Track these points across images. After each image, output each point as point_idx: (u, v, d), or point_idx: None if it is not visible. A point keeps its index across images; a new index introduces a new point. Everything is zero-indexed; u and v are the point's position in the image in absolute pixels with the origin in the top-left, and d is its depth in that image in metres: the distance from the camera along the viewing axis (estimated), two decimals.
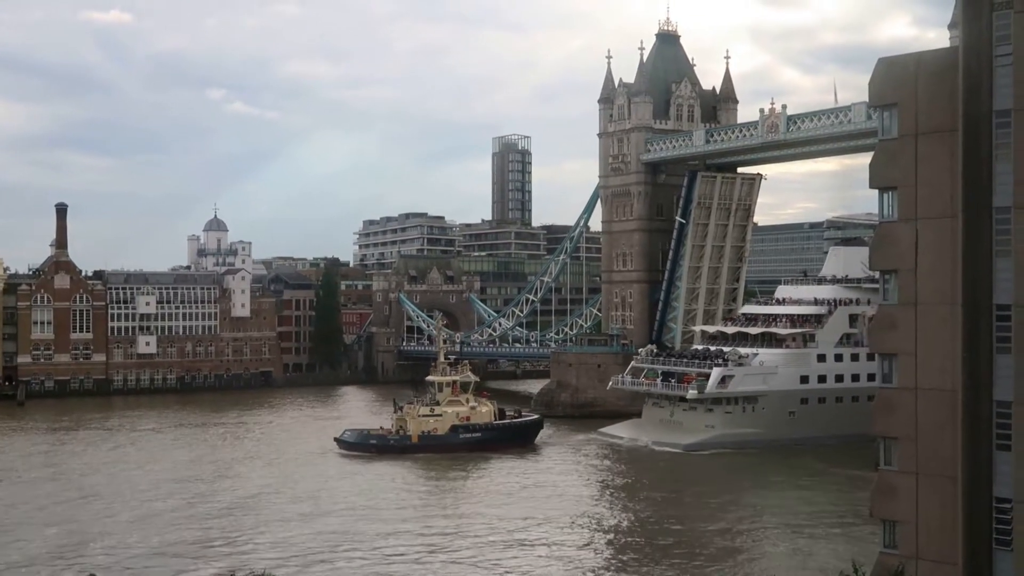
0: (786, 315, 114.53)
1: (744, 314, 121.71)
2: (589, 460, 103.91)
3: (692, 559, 65.26)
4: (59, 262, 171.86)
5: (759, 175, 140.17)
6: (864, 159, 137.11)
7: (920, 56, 40.51)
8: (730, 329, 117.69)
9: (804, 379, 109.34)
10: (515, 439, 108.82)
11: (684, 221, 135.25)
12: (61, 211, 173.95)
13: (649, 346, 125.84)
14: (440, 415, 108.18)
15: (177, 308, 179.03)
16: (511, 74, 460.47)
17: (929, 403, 38.73)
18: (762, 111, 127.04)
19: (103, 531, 73.02)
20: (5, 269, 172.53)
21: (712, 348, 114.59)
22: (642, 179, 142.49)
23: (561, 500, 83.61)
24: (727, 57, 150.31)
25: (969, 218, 36.56)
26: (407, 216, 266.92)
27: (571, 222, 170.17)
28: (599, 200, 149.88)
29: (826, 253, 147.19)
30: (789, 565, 63.89)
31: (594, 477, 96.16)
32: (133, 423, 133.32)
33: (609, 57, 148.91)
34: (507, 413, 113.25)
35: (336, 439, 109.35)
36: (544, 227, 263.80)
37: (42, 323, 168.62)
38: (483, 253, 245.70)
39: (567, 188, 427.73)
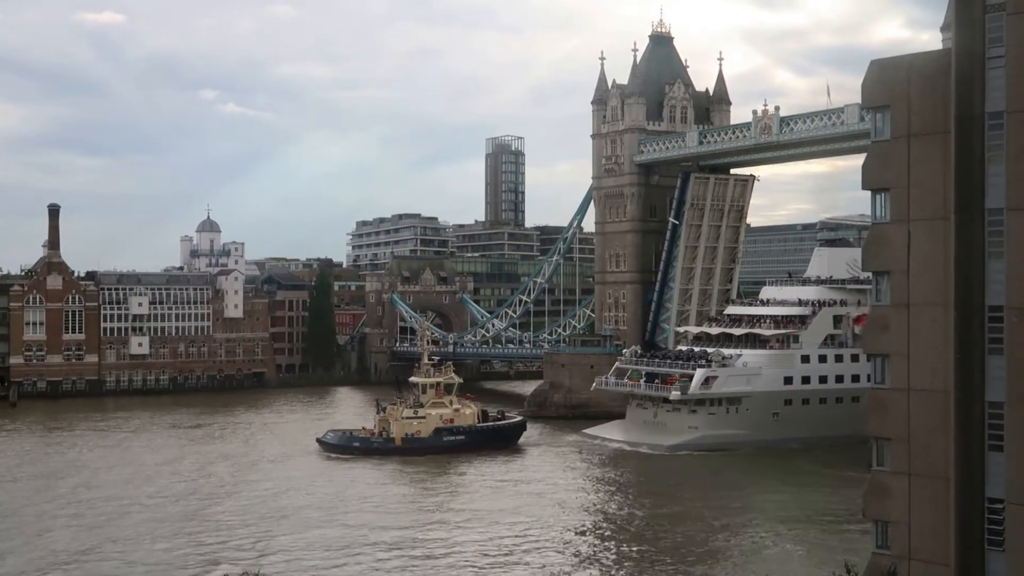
0: (770, 316, 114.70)
1: (728, 315, 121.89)
2: (570, 463, 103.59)
3: (680, 562, 65.09)
4: (51, 263, 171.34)
5: (752, 176, 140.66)
6: (853, 161, 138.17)
7: (913, 58, 40.58)
8: (714, 330, 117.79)
9: (788, 380, 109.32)
10: (498, 441, 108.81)
11: (677, 222, 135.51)
12: (53, 212, 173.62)
13: (633, 347, 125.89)
14: (424, 417, 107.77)
15: (170, 309, 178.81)
16: (504, 75, 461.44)
17: (921, 404, 38.82)
18: (755, 113, 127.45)
19: (100, 535, 72.86)
20: None
21: (696, 349, 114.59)
22: (635, 180, 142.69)
23: (540, 500, 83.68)
24: (720, 59, 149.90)
25: (961, 220, 36.62)
26: (400, 217, 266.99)
27: (564, 223, 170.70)
28: (592, 201, 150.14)
29: None
30: (782, 566, 63.72)
31: (574, 479, 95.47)
32: (125, 424, 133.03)
33: (602, 59, 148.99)
34: (490, 415, 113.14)
35: (318, 440, 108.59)
36: (537, 228, 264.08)
37: (34, 324, 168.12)
38: (476, 254, 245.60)
39: (560, 189, 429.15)
